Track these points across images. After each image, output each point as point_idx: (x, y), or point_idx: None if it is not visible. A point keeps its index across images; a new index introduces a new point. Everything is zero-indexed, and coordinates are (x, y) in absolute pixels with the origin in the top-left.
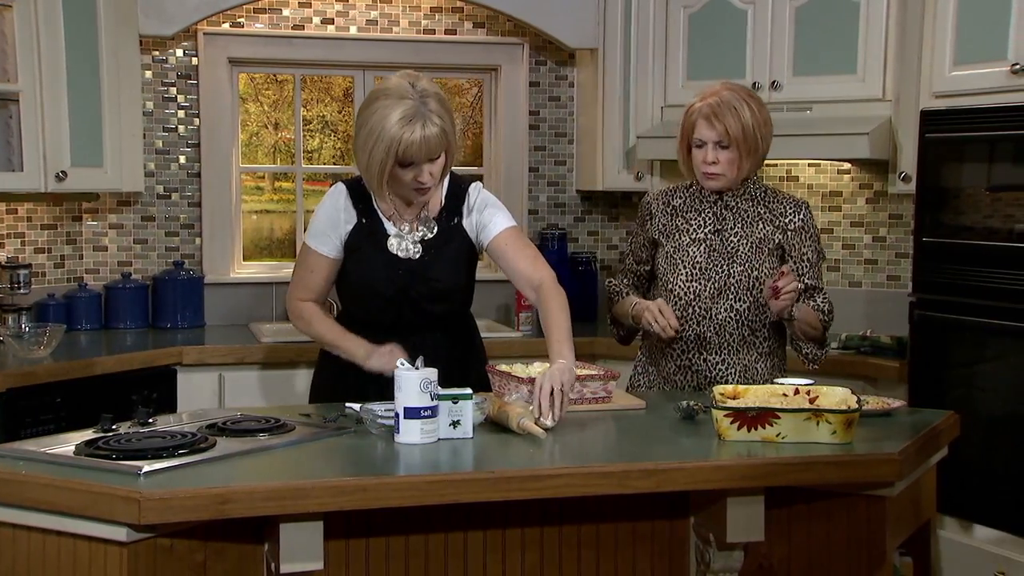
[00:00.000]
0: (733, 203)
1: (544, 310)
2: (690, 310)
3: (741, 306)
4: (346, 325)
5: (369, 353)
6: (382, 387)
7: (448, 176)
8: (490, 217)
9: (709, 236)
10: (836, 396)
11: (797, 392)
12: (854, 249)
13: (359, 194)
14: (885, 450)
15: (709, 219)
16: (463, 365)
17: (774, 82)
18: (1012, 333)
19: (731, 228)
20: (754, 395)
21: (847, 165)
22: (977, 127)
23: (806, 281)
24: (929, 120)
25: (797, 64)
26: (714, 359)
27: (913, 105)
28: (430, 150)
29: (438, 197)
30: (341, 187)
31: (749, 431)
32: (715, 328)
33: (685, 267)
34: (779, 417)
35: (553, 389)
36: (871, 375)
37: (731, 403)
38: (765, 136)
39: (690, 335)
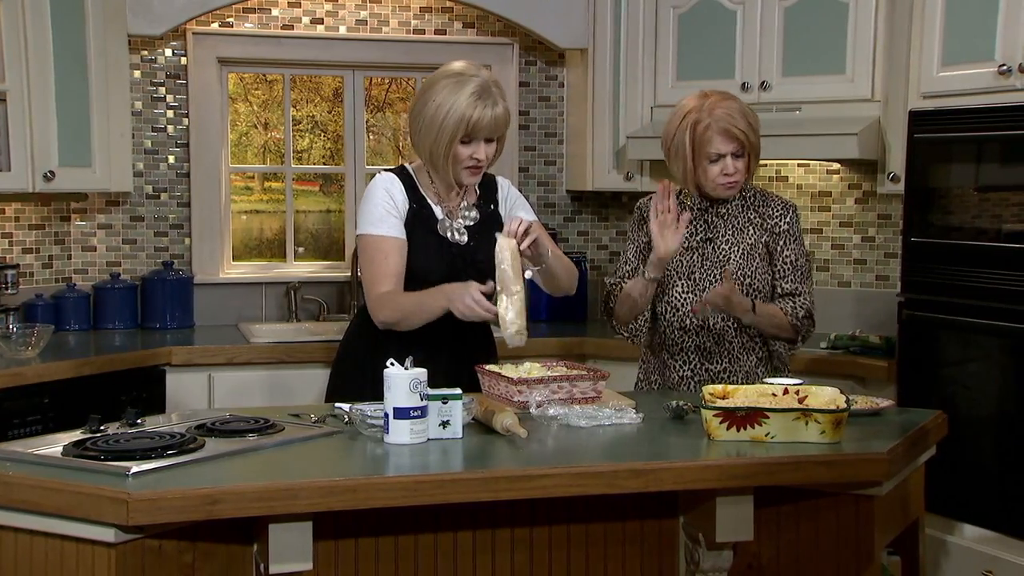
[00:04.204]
0: (724, 210)
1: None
2: (687, 321)
3: None
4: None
5: (449, 297)
6: None
7: None
8: (520, 208)
9: (701, 244)
10: (825, 396)
11: (786, 392)
12: (843, 249)
13: (406, 181)
14: (873, 450)
15: (700, 227)
16: (484, 351)
17: (763, 82)
18: (1000, 333)
19: (722, 236)
20: (743, 395)
21: (836, 165)
22: (965, 127)
23: (784, 285)
24: (917, 120)
25: (786, 64)
26: (716, 368)
27: (901, 105)
28: (497, 128)
29: (473, 186)
30: (386, 175)
31: (738, 431)
32: (714, 337)
33: (680, 278)
34: (768, 417)
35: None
36: (860, 375)
37: (720, 403)
38: (759, 138)
39: (690, 345)
